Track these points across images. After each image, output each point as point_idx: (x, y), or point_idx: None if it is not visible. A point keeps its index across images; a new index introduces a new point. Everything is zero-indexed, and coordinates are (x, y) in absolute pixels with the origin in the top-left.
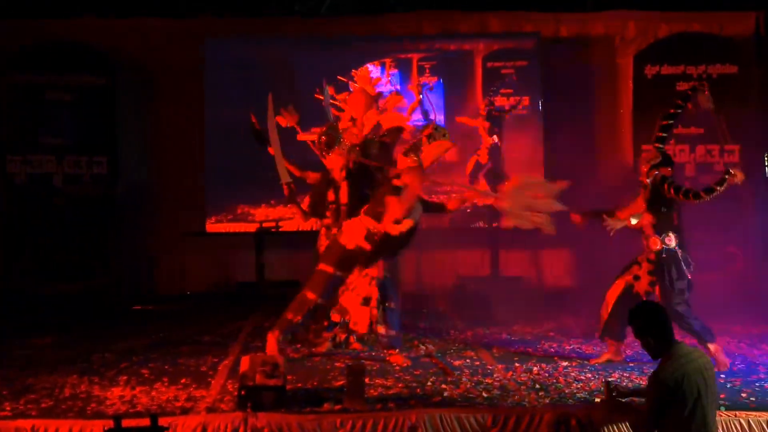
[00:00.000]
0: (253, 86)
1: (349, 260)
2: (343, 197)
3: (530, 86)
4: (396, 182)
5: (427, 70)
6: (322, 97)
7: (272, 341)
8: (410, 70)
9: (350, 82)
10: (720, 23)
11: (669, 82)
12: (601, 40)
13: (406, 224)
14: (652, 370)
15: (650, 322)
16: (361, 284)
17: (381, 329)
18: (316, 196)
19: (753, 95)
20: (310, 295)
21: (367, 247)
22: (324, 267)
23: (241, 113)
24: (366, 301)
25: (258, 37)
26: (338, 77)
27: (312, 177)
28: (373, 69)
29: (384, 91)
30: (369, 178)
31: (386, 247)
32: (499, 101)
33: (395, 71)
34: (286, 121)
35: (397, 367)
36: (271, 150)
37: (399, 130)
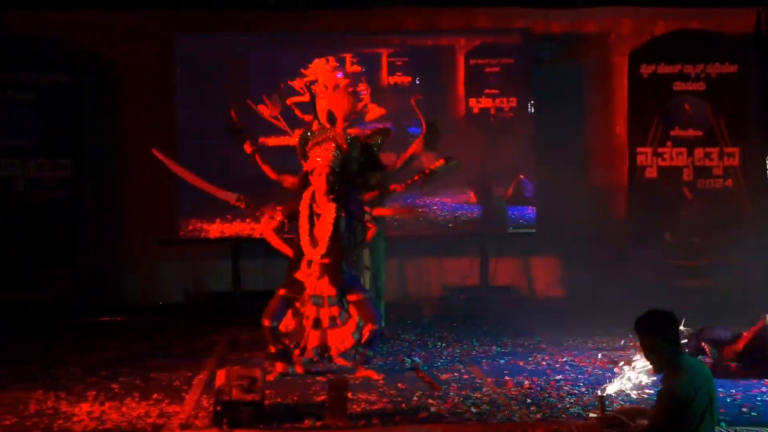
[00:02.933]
0: (225, 84)
1: (298, 281)
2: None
3: (518, 86)
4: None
5: (399, 67)
6: (266, 110)
7: (280, 369)
8: (380, 68)
9: (305, 81)
10: (719, 20)
11: (666, 82)
12: (595, 38)
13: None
14: (649, 384)
15: (667, 325)
16: (308, 307)
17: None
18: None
19: (753, 95)
20: (265, 322)
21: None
22: (280, 289)
23: (213, 112)
24: (316, 323)
25: (231, 33)
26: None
27: (289, 181)
28: (326, 64)
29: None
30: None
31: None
32: (484, 102)
33: (359, 69)
34: (268, 111)
35: (381, 381)
36: (246, 148)
37: (386, 132)
